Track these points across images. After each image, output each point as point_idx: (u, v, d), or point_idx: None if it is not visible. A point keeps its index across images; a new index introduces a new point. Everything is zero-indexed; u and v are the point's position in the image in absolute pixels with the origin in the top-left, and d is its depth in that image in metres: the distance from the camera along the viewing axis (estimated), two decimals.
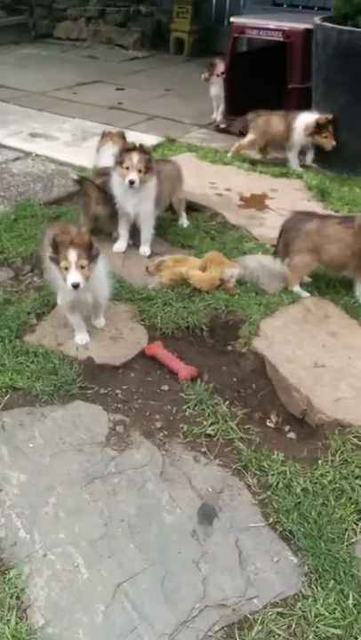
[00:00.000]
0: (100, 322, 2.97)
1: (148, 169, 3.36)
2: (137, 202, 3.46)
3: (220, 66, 5.81)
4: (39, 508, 2.08)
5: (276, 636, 1.71)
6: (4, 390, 2.57)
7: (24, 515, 2.05)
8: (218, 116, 6.10)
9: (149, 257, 3.59)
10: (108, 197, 3.54)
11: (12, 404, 2.52)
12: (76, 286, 2.52)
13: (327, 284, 3.25)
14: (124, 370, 2.77)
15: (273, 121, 4.81)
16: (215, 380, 2.72)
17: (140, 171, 3.32)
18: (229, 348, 2.95)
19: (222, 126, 5.88)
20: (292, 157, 4.88)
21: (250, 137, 4.94)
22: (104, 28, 9.98)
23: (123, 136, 4.05)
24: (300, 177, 4.75)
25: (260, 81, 5.34)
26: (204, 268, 3.27)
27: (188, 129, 5.96)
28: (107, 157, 3.90)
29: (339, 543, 1.95)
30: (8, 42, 9.80)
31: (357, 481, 2.15)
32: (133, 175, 3.30)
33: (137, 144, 3.39)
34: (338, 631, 1.72)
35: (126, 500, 2.10)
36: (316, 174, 4.79)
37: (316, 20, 4.63)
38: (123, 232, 3.63)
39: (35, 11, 10.34)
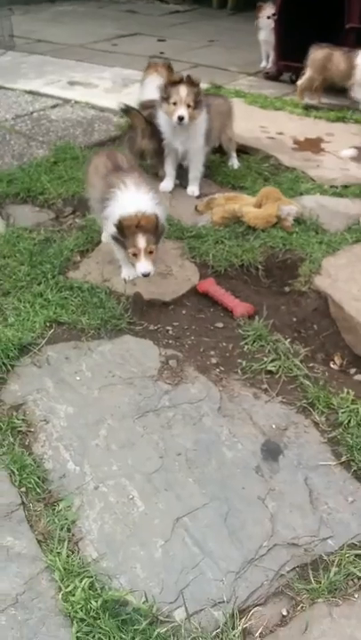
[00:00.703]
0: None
1: (197, 103, 3.12)
2: (185, 138, 3.23)
3: (269, 9, 5.45)
4: (89, 441, 1.93)
5: (356, 580, 1.53)
6: (47, 325, 2.42)
7: (72, 447, 1.91)
8: (267, 63, 5.76)
9: (198, 198, 3.38)
10: (154, 131, 3.32)
11: (56, 339, 2.37)
12: (146, 275, 2.34)
13: None
14: (174, 306, 2.59)
15: (334, 57, 4.46)
16: (274, 319, 2.51)
17: (188, 105, 3.08)
18: (287, 288, 2.73)
19: (272, 73, 5.54)
20: (357, 92, 4.49)
21: (307, 74, 4.61)
22: None
23: (169, 67, 3.79)
24: (357, 121, 4.42)
25: (313, 23, 4.97)
26: (259, 205, 3.04)
27: (234, 77, 5.65)
28: (152, 89, 3.67)
29: None
30: (43, 0, 9.54)
31: None
32: (182, 111, 3.06)
33: (184, 75, 3.13)
34: None
35: (182, 434, 1.93)
36: None
37: None
38: (169, 170, 3.42)
39: None
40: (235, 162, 3.71)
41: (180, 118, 3.07)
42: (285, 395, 2.10)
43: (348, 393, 2.06)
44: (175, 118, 3.07)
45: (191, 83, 3.10)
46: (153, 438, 1.92)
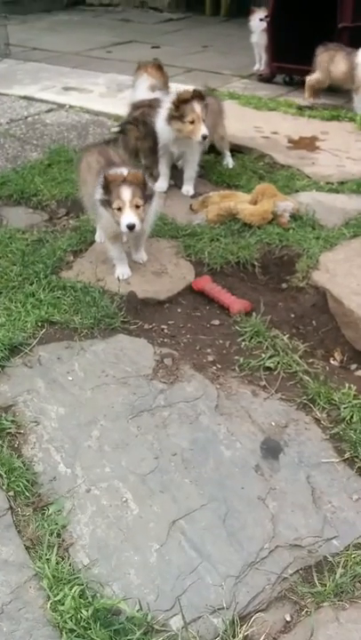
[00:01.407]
0: (142, 256, 2.72)
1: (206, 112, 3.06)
2: (182, 142, 3.17)
3: (260, 12, 5.44)
4: (81, 442, 1.85)
5: None
6: (39, 325, 2.35)
7: (64, 448, 1.83)
8: (261, 65, 5.74)
9: (193, 197, 3.32)
10: (148, 130, 3.26)
11: (48, 339, 2.30)
12: (131, 227, 2.27)
13: None
14: (169, 305, 2.52)
15: (336, 58, 4.41)
16: (271, 315, 2.44)
17: (203, 120, 3.00)
18: (284, 284, 2.67)
19: (265, 75, 5.52)
20: (359, 100, 4.44)
21: (315, 75, 4.56)
22: None
23: (159, 66, 3.77)
24: (352, 120, 4.38)
25: (305, 25, 4.95)
26: (254, 202, 2.98)
27: (228, 79, 5.63)
28: (143, 90, 3.65)
29: None
30: (40, 10, 9.57)
31: None
32: (204, 129, 2.98)
33: (192, 89, 3.04)
34: None
35: (178, 434, 1.85)
36: None
37: None
38: (164, 170, 3.37)
39: None
40: (229, 160, 3.66)
41: (204, 137, 3.01)
42: (285, 391, 2.02)
43: (349, 388, 1.98)
44: (199, 137, 3.00)
45: (201, 97, 3.02)
46: (148, 438, 1.84)
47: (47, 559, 1.50)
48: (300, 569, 1.47)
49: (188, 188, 3.35)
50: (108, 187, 2.28)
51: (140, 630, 1.33)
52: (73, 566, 1.50)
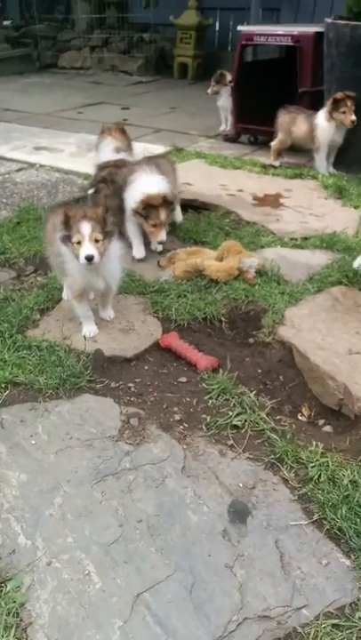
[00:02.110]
0: (109, 313, 2.72)
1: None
2: None
3: (228, 76, 5.72)
4: (42, 510, 1.78)
5: None
6: (3, 386, 2.30)
7: (24, 518, 1.75)
8: (226, 126, 5.98)
9: (160, 254, 3.36)
10: (115, 189, 3.33)
11: (12, 401, 2.25)
12: (90, 259, 2.28)
13: (355, 273, 2.99)
14: (136, 362, 2.50)
15: (298, 120, 4.62)
16: (238, 371, 2.44)
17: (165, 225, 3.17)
18: (251, 339, 2.68)
19: (231, 135, 5.74)
20: (320, 160, 4.62)
21: (278, 137, 4.76)
22: (108, 55, 10.09)
23: (122, 130, 3.90)
24: (314, 177, 4.56)
25: (268, 89, 5.22)
26: (220, 259, 3.03)
27: (195, 139, 5.83)
28: (107, 152, 3.75)
29: None
30: (13, 72, 9.89)
31: None
32: (163, 235, 3.14)
33: (162, 195, 3.07)
34: None
35: (144, 499, 1.80)
36: (331, 175, 4.60)
37: (328, 19, 4.52)
38: (137, 238, 3.34)
39: (39, 43, 10.49)
40: (179, 216, 3.72)
41: (161, 242, 3.20)
42: (252, 450, 1.99)
43: (316, 446, 1.96)
44: (155, 243, 3.23)
45: (169, 203, 3.11)
46: (112, 504, 1.78)
47: None
48: None
49: (156, 245, 3.39)
50: (69, 222, 2.33)
51: None
52: None
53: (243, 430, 2.08)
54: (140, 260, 3.31)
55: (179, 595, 1.51)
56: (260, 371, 2.50)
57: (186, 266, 3.02)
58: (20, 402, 2.24)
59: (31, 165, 5.14)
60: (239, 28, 5.43)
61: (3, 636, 1.42)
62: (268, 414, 2.14)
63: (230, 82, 5.54)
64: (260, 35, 5.18)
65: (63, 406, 2.21)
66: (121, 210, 3.37)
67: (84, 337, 2.56)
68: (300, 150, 4.84)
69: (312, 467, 1.88)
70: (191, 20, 9.04)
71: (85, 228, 2.30)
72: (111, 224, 2.42)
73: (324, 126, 4.44)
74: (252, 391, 2.28)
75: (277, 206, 4.03)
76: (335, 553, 1.63)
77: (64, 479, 1.89)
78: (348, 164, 4.61)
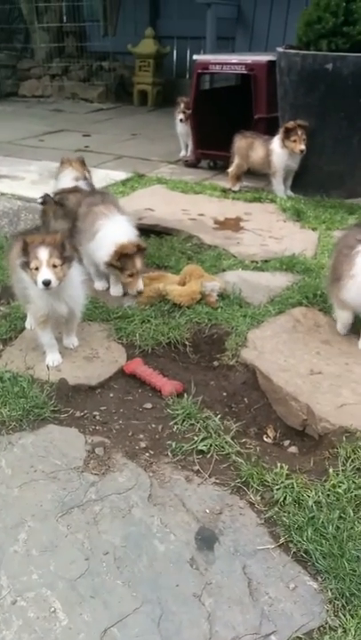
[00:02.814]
0: (73, 341, 2.70)
1: None
2: None
3: (185, 104, 5.84)
4: (6, 547, 1.74)
5: None
6: None
7: None
8: (186, 152, 6.09)
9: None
10: (66, 212, 3.36)
11: None
12: (47, 284, 2.30)
13: (315, 294, 3.06)
14: (101, 390, 2.49)
15: (255, 145, 4.73)
16: (203, 395, 2.45)
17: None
18: (216, 362, 2.71)
19: (191, 161, 5.85)
20: (277, 183, 4.75)
21: (235, 161, 4.86)
22: (68, 83, 10.18)
23: (82, 162, 3.96)
24: (273, 201, 4.67)
25: (225, 116, 5.36)
26: (183, 283, 3.06)
27: (156, 165, 5.91)
28: (67, 182, 3.80)
29: None
30: None
31: None
32: (140, 285, 2.99)
33: (133, 242, 2.96)
34: None
35: (110, 530, 1.78)
36: (289, 198, 4.73)
37: (279, 48, 4.69)
38: (96, 273, 3.28)
39: None
40: None
41: (139, 292, 3.00)
42: (218, 475, 2.00)
43: (281, 468, 1.98)
44: (134, 292, 3.01)
45: (143, 250, 3.01)
46: (78, 538, 1.75)
47: None
48: None
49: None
50: (27, 249, 2.34)
51: None
52: None
53: (208, 455, 2.08)
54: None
55: (147, 628, 1.49)
56: (224, 394, 2.52)
57: (149, 291, 3.03)
58: None
59: None
60: (195, 57, 5.57)
61: None
62: (233, 438, 2.15)
63: (188, 109, 5.66)
64: (215, 63, 5.33)
65: (27, 438, 2.18)
66: (71, 234, 3.36)
67: (47, 366, 2.54)
68: (258, 174, 4.96)
69: (277, 489, 1.89)
70: (149, 48, 9.23)
71: (43, 253, 2.32)
72: (70, 249, 2.43)
73: (278, 152, 4.57)
74: (217, 415, 2.29)
75: (238, 230, 4.11)
76: (302, 576, 1.63)
77: (29, 514, 1.85)
78: (305, 188, 4.75)
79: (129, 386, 2.53)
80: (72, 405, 2.38)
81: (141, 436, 2.21)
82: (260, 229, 4.09)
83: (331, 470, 1.96)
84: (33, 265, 2.33)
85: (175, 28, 9.51)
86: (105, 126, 8.07)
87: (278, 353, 2.61)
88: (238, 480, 1.96)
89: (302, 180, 4.74)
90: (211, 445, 2.11)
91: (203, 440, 2.13)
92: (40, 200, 3.48)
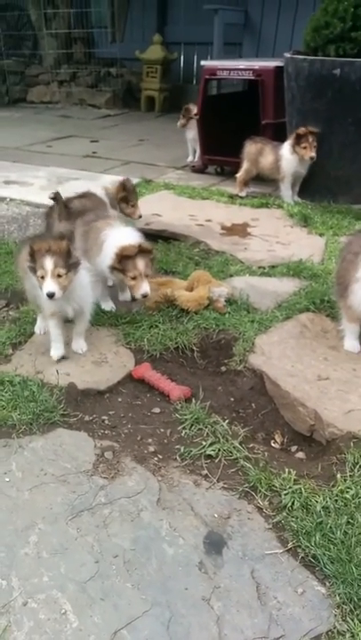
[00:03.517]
0: (82, 345, 2.73)
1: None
2: None
3: (195, 109, 5.88)
4: (17, 550, 1.76)
5: None
6: None
7: None
8: (194, 157, 6.13)
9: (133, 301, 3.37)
10: (69, 213, 3.39)
11: None
12: (50, 296, 2.38)
13: (322, 300, 3.07)
14: (110, 395, 2.51)
15: (265, 150, 4.76)
16: (211, 400, 2.47)
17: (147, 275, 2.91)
18: (223, 368, 2.72)
19: (198, 167, 5.88)
20: (285, 189, 4.77)
21: (244, 167, 4.89)
22: (76, 89, 10.26)
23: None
24: (280, 206, 4.69)
25: (233, 121, 5.40)
26: (190, 288, 3.09)
27: (163, 171, 5.95)
28: None
29: None
30: None
31: None
32: (145, 287, 2.83)
33: (135, 244, 2.83)
34: None
35: (120, 533, 1.80)
36: (296, 204, 4.75)
37: (287, 54, 4.73)
38: (102, 294, 3.16)
39: (7, 78, 10.62)
40: None
41: (144, 296, 2.85)
42: (226, 479, 2.01)
43: (289, 473, 1.99)
44: (139, 295, 2.85)
45: (146, 252, 2.86)
46: (88, 541, 1.77)
47: None
48: None
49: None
50: (34, 255, 2.42)
51: None
52: None
53: (217, 460, 2.10)
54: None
55: (156, 631, 1.51)
56: (232, 399, 2.54)
57: (157, 296, 3.06)
58: None
59: (1, 200, 5.16)
60: (202, 62, 5.62)
61: None
62: (241, 443, 2.16)
63: (196, 114, 5.70)
64: (223, 69, 5.37)
65: (37, 442, 2.20)
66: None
67: (51, 356, 2.66)
68: (265, 180, 4.99)
69: (285, 494, 1.90)
70: (156, 54, 9.30)
71: (48, 263, 2.38)
72: (75, 256, 2.49)
73: (288, 158, 4.60)
74: (225, 420, 2.31)
75: (245, 235, 4.13)
76: (310, 581, 1.65)
77: (39, 516, 1.87)
78: (312, 193, 4.77)
79: (137, 390, 2.55)
80: (81, 409, 2.40)
81: (150, 440, 2.23)
82: (267, 235, 4.11)
83: (338, 476, 1.97)
84: (39, 274, 2.41)
85: (183, 34, 9.58)
86: (112, 132, 8.13)
87: (286, 358, 2.63)
88: (246, 485, 1.97)
89: (310, 185, 4.76)
90: (219, 450, 2.12)
91: (211, 445, 2.15)
92: (51, 195, 3.50)
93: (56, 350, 2.67)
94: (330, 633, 1.51)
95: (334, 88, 4.38)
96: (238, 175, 4.98)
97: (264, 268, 3.57)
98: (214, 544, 1.76)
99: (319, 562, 1.68)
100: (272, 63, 5.10)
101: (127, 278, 2.86)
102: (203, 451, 2.13)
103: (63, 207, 3.44)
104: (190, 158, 6.21)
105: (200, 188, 5.25)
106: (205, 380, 2.64)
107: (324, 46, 4.41)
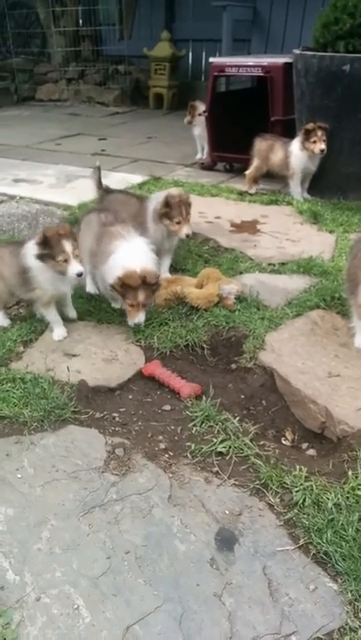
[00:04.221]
0: (73, 312, 3.01)
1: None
2: None
3: (201, 106, 5.88)
4: (30, 545, 1.77)
5: None
6: None
7: (12, 553, 1.75)
8: (202, 155, 6.12)
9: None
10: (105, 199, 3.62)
11: None
12: (80, 274, 2.63)
13: (332, 297, 3.06)
14: (120, 392, 2.52)
15: (275, 147, 4.75)
16: (221, 397, 2.47)
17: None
18: (233, 365, 2.72)
19: (207, 164, 5.87)
20: (294, 186, 4.76)
21: (254, 163, 4.89)
22: (84, 87, 10.27)
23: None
24: (289, 203, 4.67)
25: (241, 118, 5.38)
26: (200, 286, 3.09)
27: (172, 168, 5.95)
28: None
29: None
30: None
31: None
32: (141, 317, 2.76)
33: (140, 274, 2.67)
34: None
35: (131, 530, 1.81)
36: (306, 201, 4.73)
37: (296, 50, 4.70)
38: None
39: (16, 76, 10.65)
40: None
41: (137, 325, 2.78)
42: (238, 476, 2.02)
43: (300, 470, 1.99)
44: (132, 324, 2.78)
45: (150, 284, 2.71)
46: (100, 537, 1.79)
47: None
48: None
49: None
50: (49, 242, 2.58)
51: None
52: None
53: (227, 457, 2.10)
54: None
55: (168, 626, 1.51)
56: (242, 396, 2.54)
57: (167, 294, 3.06)
58: (6, 435, 2.24)
59: (11, 198, 5.19)
60: (211, 59, 5.60)
61: None
62: (251, 440, 2.17)
63: (204, 111, 5.69)
64: (231, 66, 5.35)
65: (48, 439, 2.22)
66: None
67: (55, 338, 2.82)
68: (275, 177, 4.98)
69: (296, 491, 1.90)
70: (164, 51, 9.28)
71: (68, 246, 2.57)
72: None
73: (297, 154, 4.58)
74: (235, 417, 2.31)
75: (255, 232, 4.12)
76: (322, 577, 1.65)
77: (51, 512, 1.88)
78: (322, 190, 4.75)
79: (148, 388, 2.55)
80: (92, 407, 2.41)
81: (161, 437, 2.23)
82: (276, 232, 4.10)
83: (350, 473, 1.97)
84: (61, 257, 2.58)
85: (191, 31, 9.55)
86: (121, 130, 8.13)
87: (296, 356, 2.62)
88: (257, 482, 1.98)
89: (319, 182, 4.74)
90: (230, 447, 2.13)
91: (222, 442, 2.15)
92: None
93: (59, 332, 2.86)
94: (342, 629, 1.51)
95: (344, 84, 4.35)
96: (248, 172, 4.97)
97: (274, 265, 3.56)
98: (226, 540, 1.76)
99: (331, 559, 1.68)
100: (281, 59, 5.08)
101: (125, 303, 2.75)
102: (213, 448, 2.13)
103: (100, 182, 3.64)
104: (199, 155, 6.20)
105: (209, 185, 5.24)
106: (216, 378, 2.64)
107: (334, 42, 4.38)
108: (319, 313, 2.97)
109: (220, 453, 2.11)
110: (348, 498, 1.86)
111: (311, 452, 2.27)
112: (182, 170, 5.91)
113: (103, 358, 2.70)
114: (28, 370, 2.60)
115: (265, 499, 1.92)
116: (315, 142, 4.42)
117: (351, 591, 1.59)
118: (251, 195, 4.91)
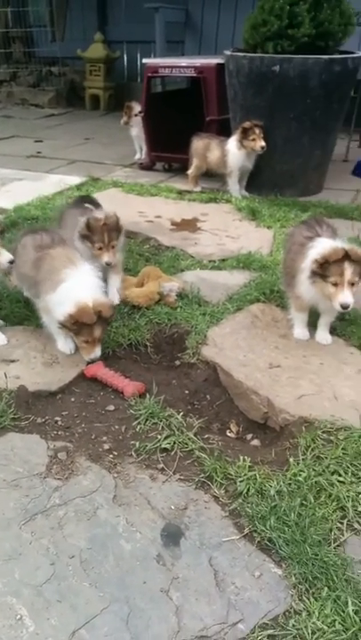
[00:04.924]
0: None
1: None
2: None
3: (137, 107, 5.87)
4: None
5: None
6: None
7: None
8: (141, 155, 6.11)
9: None
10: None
11: None
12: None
13: (271, 290, 3.11)
14: (62, 395, 2.47)
15: (211, 145, 4.79)
16: (165, 394, 2.46)
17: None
18: (177, 361, 2.72)
19: (146, 164, 5.87)
20: (232, 184, 4.81)
21: (194, 163, 4.91)
22: (17, 89, 10.05)
23: None
24: (228, 201, 4.73)
25: (178, 118, 5.40)
26: (141, 284, 3.07)
27: (111, 169, 5.91)
28: None
29: (326, 545, 1.70)
30: None
31: (335, 476, 1.93)
32: (97, 351, 2.53)
33: (95, 310, 2.44)
34: None
35: (75, 534, 1.77)
36: (244, 198, 4.80)
37: (227, 52, 4.76)
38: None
39: None
40: None
41: (93, 360, 2.55)
42: (183, 471, 2.01)
43: (244, 460, 2.01)
44: (88, 359, 2.54)
45: (105, 318, 2.51)
46: (42, 543, 1.74)
47: None
48: None
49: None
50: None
51: None
52: None
53: (172, 452, 2.09)
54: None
55: (115, 627, 1.49)
56: (186, 392, 2.54)
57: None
58: None
59: None
60: (144, 60, 5.60)
61: None
62: (196, 434, 2.17)
63: (140, 112, 5.68)
64: (165, 67, 5.37)
65: None
66: None
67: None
68: (213, 175, 5.02)
69: (240, 481, 1.92)
70: (98, 53, 9.21)
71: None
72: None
73: (234, 153, 4.64)
74: (179, 413, 2.30)
75: (195, 230, 4.14)
76: (267, 564, 1.66)
77: None
78: (259, 188, 4.83)
79: (91, 389, 2.51)
80: (33, 412, 2.35)
81: (105, 438, 2.20)
82: (216, 229, 4.14)
83: (291, 460, 2.00)
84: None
85: (124, 33, 9.51)
86: (57, 132, 8.00)
87: (238, 349, 2.65)
88: (202, 475, 1.98)
89: (256, 179, 4.82)
90: (174, 443, 2.12)
91: (166, 438, 2.14)
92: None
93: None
94: (287, 613, 1.53)
95: (274, 84, 4.44)
96: (190, 172, 5.00)
97: (214, 261, 3.59)
98: (172, 536, 1.75)
99: (275, 544, 1.70)
100: (213, 60, 5.13)
101: (78, 339, 2.53)
102: (158, 444, 2.12)
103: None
104: (138, 156, 6.19)
105: (148, 184, 5.24)
106: (160, 375, 2.63)
107: (263, 43, 4.47)
108: (259, 306, 3.01)
109: (165, 449, 2.10)
110: (289, 484, 1.89)
111: (255, 442, 2.29)
112: (121, 170, 5.88)
113: (43, 362, 2.63)
114: None
115: (210, 491, 1.92)
116: (254, 140, 4.50)
117: (295, 574, 1.61)
118: (196, 193, 4.93)
